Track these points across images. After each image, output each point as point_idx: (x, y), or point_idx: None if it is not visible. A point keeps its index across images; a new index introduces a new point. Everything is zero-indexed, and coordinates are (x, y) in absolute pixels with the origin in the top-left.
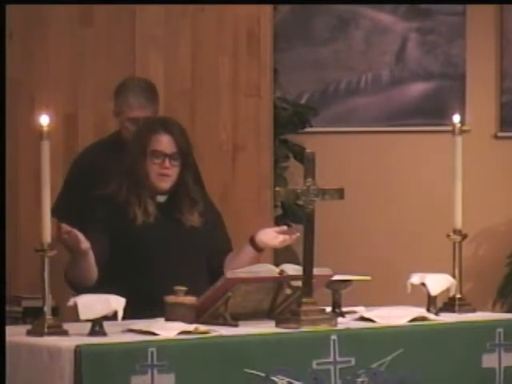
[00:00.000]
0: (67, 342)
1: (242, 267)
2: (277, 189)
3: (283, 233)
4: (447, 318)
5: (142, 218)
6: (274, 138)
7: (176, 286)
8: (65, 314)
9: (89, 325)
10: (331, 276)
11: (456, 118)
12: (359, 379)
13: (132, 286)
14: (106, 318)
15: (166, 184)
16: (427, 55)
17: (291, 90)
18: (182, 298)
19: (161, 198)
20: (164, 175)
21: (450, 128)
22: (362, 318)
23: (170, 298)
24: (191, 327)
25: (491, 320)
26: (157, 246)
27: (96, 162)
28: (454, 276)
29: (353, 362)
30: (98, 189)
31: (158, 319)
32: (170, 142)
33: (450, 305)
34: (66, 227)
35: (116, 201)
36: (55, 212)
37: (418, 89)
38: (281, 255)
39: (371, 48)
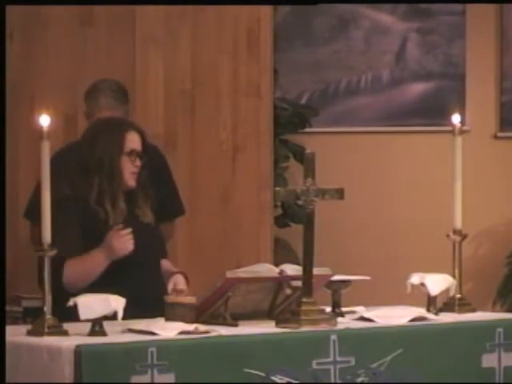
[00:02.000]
0: (67, 342)
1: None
2: (277, 189)
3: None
4: (447, 317)
5: (113, 216)
6: (274, 138)
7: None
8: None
9: (89, 325)
10: (331, 276)
11: (456, 118)
12: (359, 379)
13: (104, 284)
14: (106, 317)
15: (133, 182)
16: (427, 55)
17: (291, 90)
18: (182, 297)
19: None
20: (133, 173)
21: (449, 128)
22: (362, 318)
23: (170, 298)
24: (191, 327)
25: (491, 320)
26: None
27: (66, 163)
28: (453, 276)
29: (353, 362)
30: (66, 189)
31: (158, 319)
32: (138, 140)
33: (449, 305)
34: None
35: (86, 200)
36: (28, 213)
37: (417, 89)
38: (281, 255)
39: (371, 48)
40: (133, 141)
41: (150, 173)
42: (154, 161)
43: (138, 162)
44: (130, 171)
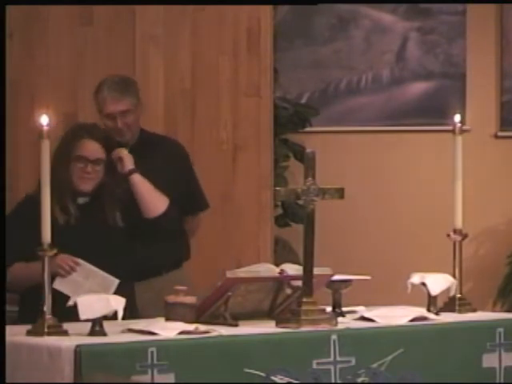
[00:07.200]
0: (67, 342)
1: None
2: (277, 188)
3: None
4: (447, 317)
5: (62, 218)
6: (274, 138)
7: None
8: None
9: (89, 325)
10: (331, 276)
11: (456, 118)
12: (359, 379)
13: None
14: (106, 317)
15: (87, 186)
16: (427, 55)
17: (291, 90)
18: (182, 297)
19: (82, 200)
20: (84, 178)
21: (450, 127)
22: (362, 318)
23: (170, 298)
24: (191, 327)
25: (491, 320)
26: (79, 245)
27: None
28: (454, 276)
29: (353, 362)
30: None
31: (158, 319)
32: (95, 148)
33: (450, 305)
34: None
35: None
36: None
37: (418, 88)
38: (281, 255)
39: (371, 47)
40: (83, 148)
41: (172, 170)
42: (176, 158)
43: (90, 169)
44: (78, 176)
